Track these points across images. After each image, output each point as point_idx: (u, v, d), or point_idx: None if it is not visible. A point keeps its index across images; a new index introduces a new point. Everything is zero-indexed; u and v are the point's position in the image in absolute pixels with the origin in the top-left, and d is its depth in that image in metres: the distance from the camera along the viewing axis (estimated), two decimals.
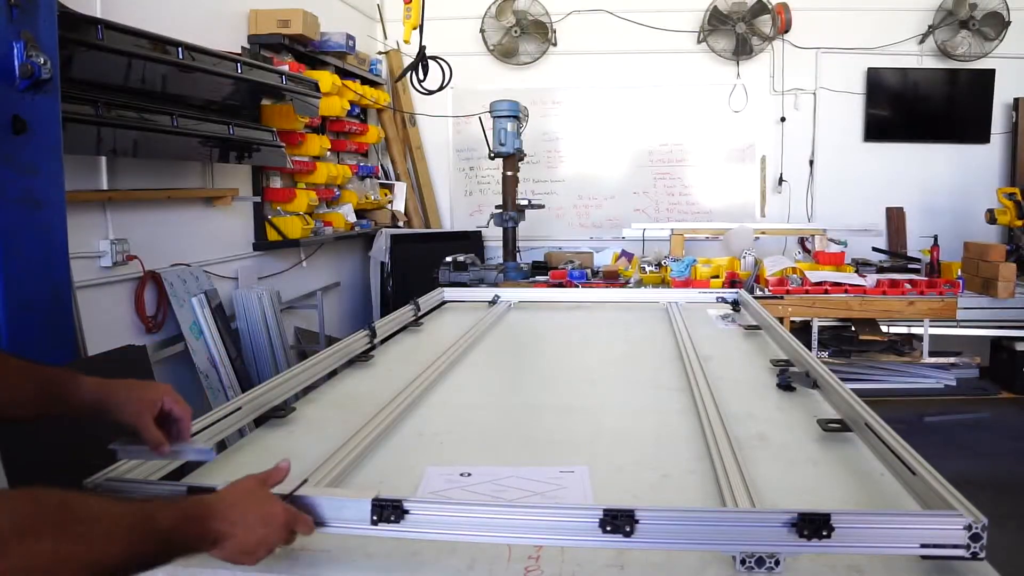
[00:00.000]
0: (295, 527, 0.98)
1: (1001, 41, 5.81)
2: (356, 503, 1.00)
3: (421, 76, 4.16)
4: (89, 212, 3.01)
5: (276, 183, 4.45)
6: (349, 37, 4.92)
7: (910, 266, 4.95)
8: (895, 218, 5.92)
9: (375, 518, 0.99)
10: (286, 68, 4.31)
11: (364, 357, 2.15)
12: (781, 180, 6.20)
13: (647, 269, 4.48)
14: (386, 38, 6.24)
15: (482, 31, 6.12)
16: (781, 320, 3.81)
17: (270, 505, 0.96)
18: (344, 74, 5.17)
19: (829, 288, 4.22)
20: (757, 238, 5.08)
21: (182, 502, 0.92)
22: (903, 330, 4.79)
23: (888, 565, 0.97)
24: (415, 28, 3.95)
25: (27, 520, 0.72)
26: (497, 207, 4.59)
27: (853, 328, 4.69)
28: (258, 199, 4.30)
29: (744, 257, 4.51)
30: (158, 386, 1.14)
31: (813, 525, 0.93)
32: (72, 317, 2.44)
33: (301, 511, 0.99)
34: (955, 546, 0.92)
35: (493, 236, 5.74)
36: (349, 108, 5.10)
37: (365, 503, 1.00)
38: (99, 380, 1.11)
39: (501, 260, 4.64)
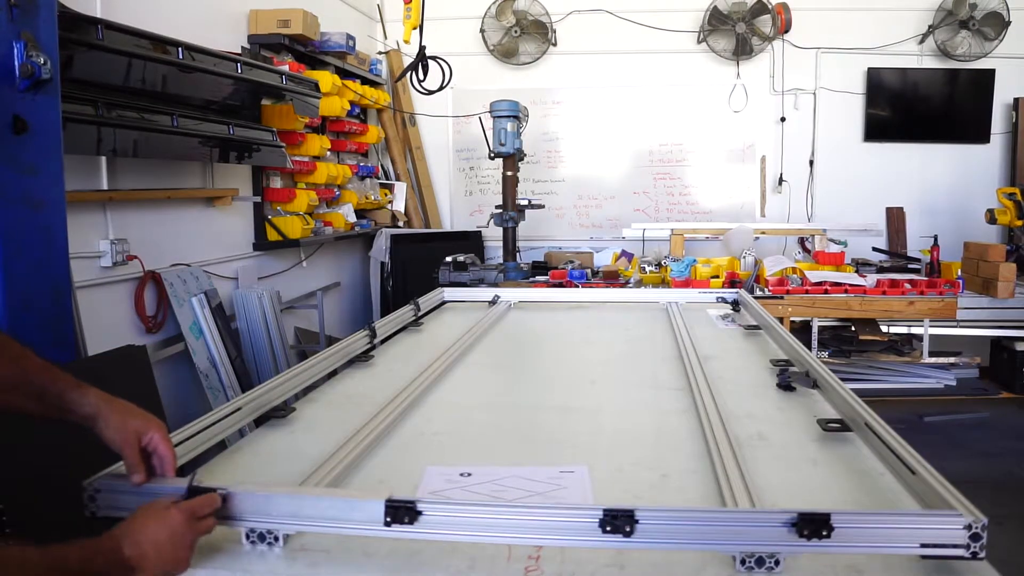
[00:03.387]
0: (200, 513, 1.01)
1: (1001, 41, 5.81)
2: (369, 504, 1.00)
3: (421, 76, 4.16)
4: (89, 212, 3.01)
5: (276, 183, 4.45)
6: (349, 37, 4.92)
7: (910, 266, 4.94)
8: (895, 218, 5.92)
9: (388, 519, 0.99)
10: (286, 68, 4.31)
11: (364, 357, 2.15)
12: (781, 180, 6.20)
13: (647, 269, 4.48)
14: (386, 38, 6.24)
15: (482, 31, 6.11)
16: (781, 320, 3.81)
17: (163, 511, 1.00)
18: (344, 74, 5.17)
19: (829, 288, 4.22)
20: (757, 238, 5.08)
21: (97, 539, 0.96)
22: (903, 330, 4.79)
23: (888, 565, 0.97)
24: (415, 28, 3.95)
25: None
26: (497, 207, 4.59)
27: (853, 328, 4.69)
28: (258, 199, 4.30)
29: (744, 257, 4.50)
30: (152, 421, 1.14)
31: (813, 525, 0.93)
32: (72, 317, 2.44)
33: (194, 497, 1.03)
34: (955, 546, 0.92)
35: (493, 236, 5.75)
36: (349, 108, 5.10)
37: (379, 504, 1.00)
38: (101, 397, 1.13)
39: (501, 260, 4.64)
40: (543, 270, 4.68)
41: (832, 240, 5.13)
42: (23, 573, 0.85)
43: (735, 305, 2.95)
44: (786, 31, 5.97)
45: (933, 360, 4.64)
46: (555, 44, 6.16)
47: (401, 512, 0.99)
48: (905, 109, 6.07)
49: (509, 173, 4.54)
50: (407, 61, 4.54)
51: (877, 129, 6.11)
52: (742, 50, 5.99)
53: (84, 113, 2.72)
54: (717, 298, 3.11)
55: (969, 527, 0.92)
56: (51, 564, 0.88)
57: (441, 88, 4.28)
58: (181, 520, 0.99)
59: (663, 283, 4.34)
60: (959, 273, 4.60)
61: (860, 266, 4.84)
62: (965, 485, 1.03)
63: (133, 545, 0.96)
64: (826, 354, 4.59)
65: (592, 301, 3.21)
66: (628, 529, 0.95)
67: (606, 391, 1.91)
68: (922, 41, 5.97)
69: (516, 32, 6.10)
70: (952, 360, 4.71)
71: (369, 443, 1.42)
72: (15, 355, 1.13)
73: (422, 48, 4.10)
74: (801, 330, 4.43)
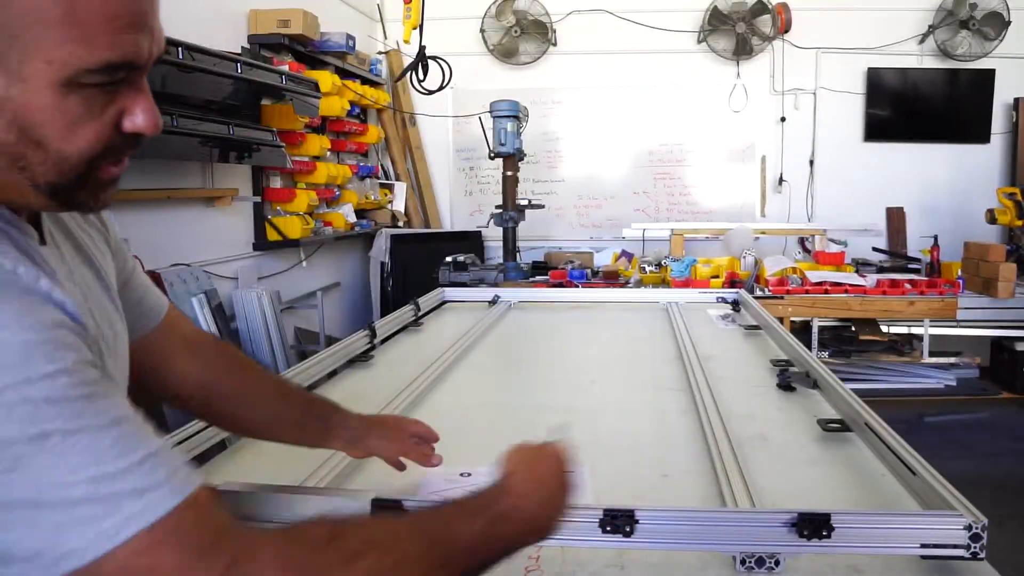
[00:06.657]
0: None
1: (1001, 41, 5.81)
2: (354, 504, 1.00)
3: (421, 76, 4.15)
4: None
5: (276, 183, 4.45)
6: (349, 37, 4.92)
7: (910, 266, 4.94)
8: (895, 218, 5.92)
9: None
10: (286, 68, 4.30)
11: (364, 357, 2.15)
12: (781, 180, 6.19)
13: (647, 269, 4.48)
14: (386, 38, 6.24)
15: (482, 31, 6.11)
16: (781, 320, 3.81)
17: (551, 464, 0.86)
18: (344, 74, 5.16)
19: (829, 288, 4.22)
20: (757, 238, 5.08)
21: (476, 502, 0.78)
22: (903, 330, 4.79)
23: (888, 565, 0.97)
24: (415, 28, 3.95)
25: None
26: (497, 207, 4.59)
27: (853, 328, 4.69)
28: (258, 199, 4.30)
29: (744, 257, 4.50)
30: (412, 421, 1.24)
31: (813, 525, 0.93)
32: None
33: None
34: (955, 546, 0.92)
35: (493, 236, 5.74)
36: (349, 108, 5.10)
37: (365, 504, 0.99)
38: (363, 417, 1.18)
39: (501, 260, 4.64)
40: (543, 270, 4.68)
41: (832, 240, 5.13)
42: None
43: (735, 305, 2.94)
44: (786, 31, 5.97)
45: (933, 360, 4.64)
46: (555, 44, 6.15)
47: (387, 513, 0.98)
48: (905, 109, 6.07)
49: (509, 173, 4.54)
50: (407, 61, 4.53)
51: (877, 129, 6.10)
52: (742, 50, 5.99)
53: None
54: (717, 298, 3.11)
55: (969, 527, 0.92)
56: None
57: (441, 88, 4.28)
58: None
59: (663, 283, 4.34)
60: (959, 273, 4.60)
61: (860, 266, 4.85)
62: (965, 485, 1.03)
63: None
64: (826, 354, 4.59)
65: (592, 301, 3.21)
66: (628, 529, 0.95)
67: (606, 391, 1.90)
68: (922, 41, 5.97)
69: (516, 32, 6.10)
70: (952, 360, 4.72)
71: None
72: (281, 388, 1.14)
73: (422, 48, 4.10)
74: (801, 330, 4.43)
